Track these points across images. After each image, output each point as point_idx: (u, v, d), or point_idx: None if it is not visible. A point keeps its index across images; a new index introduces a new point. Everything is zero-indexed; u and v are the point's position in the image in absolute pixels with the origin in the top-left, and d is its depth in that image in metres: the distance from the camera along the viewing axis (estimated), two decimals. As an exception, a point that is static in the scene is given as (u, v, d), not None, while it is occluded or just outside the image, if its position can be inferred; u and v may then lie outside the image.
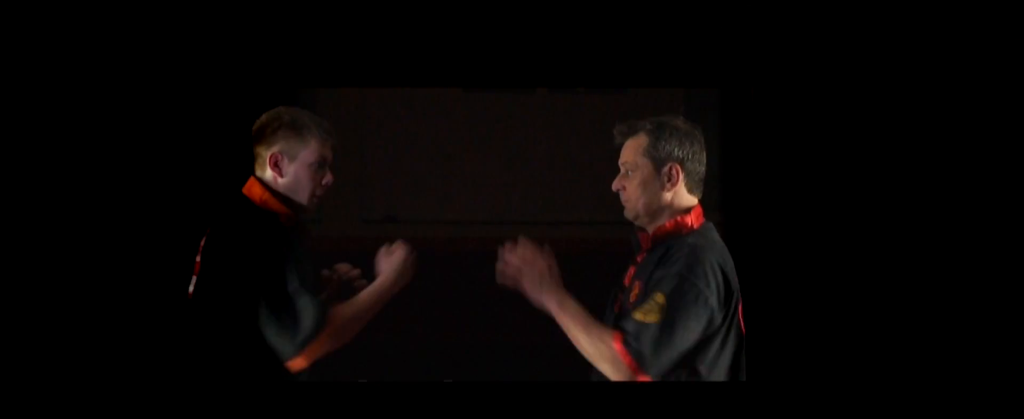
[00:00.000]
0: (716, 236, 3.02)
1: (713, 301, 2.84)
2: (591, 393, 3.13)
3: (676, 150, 2.98)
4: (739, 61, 3.73)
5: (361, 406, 3.47)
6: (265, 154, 3.17)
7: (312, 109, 3.29)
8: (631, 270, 3.11)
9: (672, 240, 2.96)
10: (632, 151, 3.00)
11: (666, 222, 2.98)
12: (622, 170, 3.03)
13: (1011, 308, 3.50)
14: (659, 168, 2.97)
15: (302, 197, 3.17)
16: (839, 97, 3.65)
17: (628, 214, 3.04)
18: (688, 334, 2.81)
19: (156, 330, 3.53)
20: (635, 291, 2.95)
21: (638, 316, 2.80)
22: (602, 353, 2.81)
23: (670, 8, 3.75)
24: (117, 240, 3.53)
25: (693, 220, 3.00)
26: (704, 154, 3.02)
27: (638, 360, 2.78)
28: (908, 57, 3.60)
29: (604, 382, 3.08)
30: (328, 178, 3.21)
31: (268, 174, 3.16)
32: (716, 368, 2.90)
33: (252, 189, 3.17)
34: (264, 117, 3.20)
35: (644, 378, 2.77)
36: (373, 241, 3.61)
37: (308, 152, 3.15)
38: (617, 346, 2.78)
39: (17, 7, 3.48)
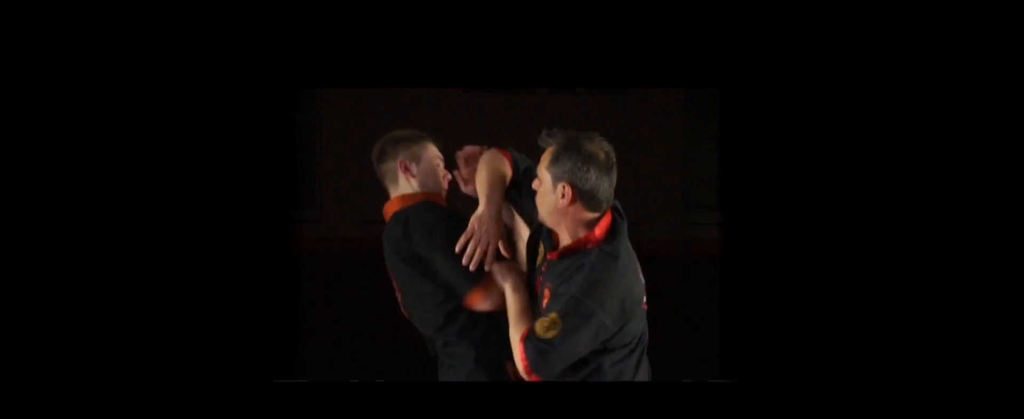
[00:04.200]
0: (623, 248, 3.21)
1: (607, 320, 3.11)
2: (587, 393, 3.13)
3: (568, 173, 3.14)
4: (739, 61, 3.73)
5: (361, 406, 3.47)
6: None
7: (312, 109, 3.33)
8: (543, 268, 3.24)
9: (577, 254, 3.18)
10: (541, 162, 3.21)
11: (572, 240, 3.20)
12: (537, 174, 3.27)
13: (1005, 310, 3.50)
14: (554, 184, 3.15)
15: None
16: (838, 97, 3.65)
17: (538, 216, 3.28)
18: (578, 348, 3.11)
19: (155, 330, 3.53)
20: (546, 295, 3.19)
21: (538, 329, 3.10)
22: (513, 344, 3.14)
23: (670, 8, 3.76)
24: (117, 240, 3.53)
25: (597, 234, 3.18)
26: (605, 177, 3.17)
27: (532, 365, 3.09)
28: (907, 58, 3.60)
29: (601, 383, 3.08)
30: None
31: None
32: (623, 368, 3.19)
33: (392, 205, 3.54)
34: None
35: (535, 378, 3.11)
36: (373, 241, 3.61)
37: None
38: (520, 345, 3.10)
39: (17, 7, 3.48)
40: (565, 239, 3.18)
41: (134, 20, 3.54)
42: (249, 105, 3.69)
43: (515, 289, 3.22)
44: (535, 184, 3.18)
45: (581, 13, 3.79)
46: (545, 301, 3.16)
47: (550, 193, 3.12)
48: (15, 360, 3.42)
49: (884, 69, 3.61)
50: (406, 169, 3.52)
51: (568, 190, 3.10)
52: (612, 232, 3.16)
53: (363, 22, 3.77)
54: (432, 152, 3.56)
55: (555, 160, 3.11)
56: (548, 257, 3.21)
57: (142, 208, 3.54)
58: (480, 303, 3.30)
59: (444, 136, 3.62)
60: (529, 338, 3.08)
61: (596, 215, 3.14)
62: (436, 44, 3.83)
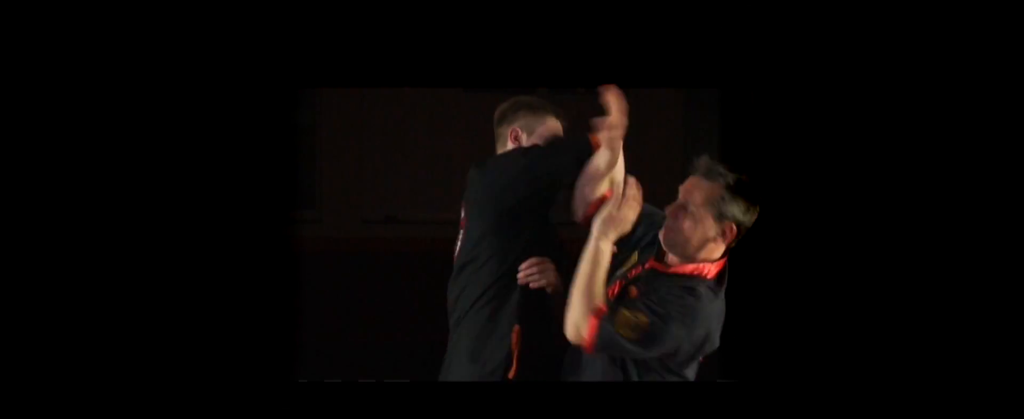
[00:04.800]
0: (721, 295, 3.15)
1: (685, 346, 3.06)
2: (586, 393, 3.13)
3: (740, 214, 3.07)
4: (739, 61, 3.73)
5: (361, 406, 3.47)
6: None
7: (312, 109, 3.32)
8: (632, 271, 3.15)
9: (685, 278, 3.10)
10: (703, 194, 3.08)
11: (690, 265, 3.12)
12: (682, 201, 3.10)
13: (1006, 309, 3.50)
14: (719, 220, 3.07)
15: None
16: (838, 97, 3.66)
17: (663, 240, 3.13)
18: (640, 355, 3.06)
19: (155, 330, 3.54)
20: (632, 292, 3.12)
21: (620, 319, 3.02)
22: (579, 314, 3.04)
23: (670, 8, 3.76)
24: (118, 240, 3.53)
25: (713, 270, 3.12)
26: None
27: (598, 345, 3.02)
28: (908, 58, 3.61)
29: (599, 383, 3.09)
30: None
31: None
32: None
33: None
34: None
35: (590, 350, 3.04)
36: (373, 241, 3.61)
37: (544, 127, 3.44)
38: (592, 320, 3.01)
39: (17, 7, 3.49)
40: (676, 260, 3.13)
41: (134, 20, 3.55)
42: (249, 105, 3.69)
43: (596, 247, 3.08)
44: (674, 213, 3.08)
45: (581, 13, 3.79)
46: (629, 296, 3.10)
47: (711, 227, 3.05)
48: (15, 359, 3.42)
49: (885, 69, 3.61)
50: (516, 138, 3.38)
51: (733, 230, 3.06)
52: (723, 275, 3.13)
53: (363, 22, 3.77)
54: (549, 127, 3.42)
55: (731, 200, 3.04)
56: (651, 265, 3.14)
57: (142, 208, 3.55)
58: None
59: (444, 136, 3.63)
60: (606, 321, 3.00)
61: (719, 253, 3.12)
62: (436, 44, 3.83)
